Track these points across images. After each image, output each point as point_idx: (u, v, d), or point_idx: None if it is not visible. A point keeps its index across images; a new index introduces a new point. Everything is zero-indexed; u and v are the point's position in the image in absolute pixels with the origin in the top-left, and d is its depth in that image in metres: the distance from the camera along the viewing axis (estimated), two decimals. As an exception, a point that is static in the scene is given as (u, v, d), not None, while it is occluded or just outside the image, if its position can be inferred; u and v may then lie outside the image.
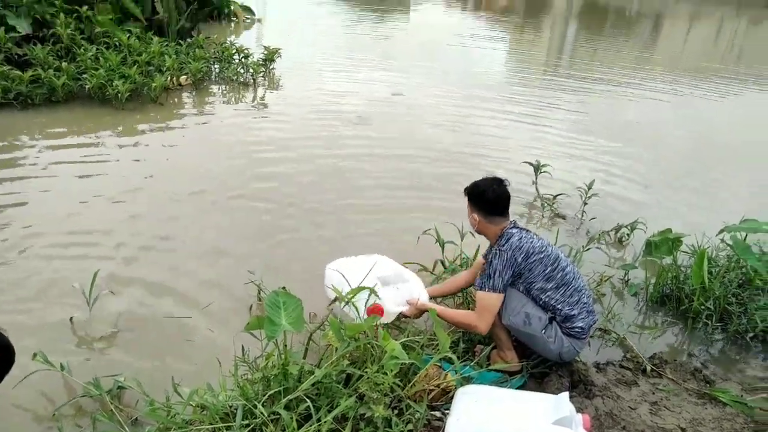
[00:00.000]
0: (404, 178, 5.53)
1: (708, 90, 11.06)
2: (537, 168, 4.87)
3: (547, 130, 7.37)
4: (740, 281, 3.62)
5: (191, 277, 3.68)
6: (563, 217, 4.83)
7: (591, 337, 3.28)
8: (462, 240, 3.82)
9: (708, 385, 2.93)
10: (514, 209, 4.88)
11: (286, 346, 2.31)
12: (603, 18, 27.54)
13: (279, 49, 8.87)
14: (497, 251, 2.70)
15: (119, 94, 6.56)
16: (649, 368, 3.04)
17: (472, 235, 3.10)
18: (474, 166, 5.78)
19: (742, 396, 2.80)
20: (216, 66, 8.48)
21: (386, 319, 2.87)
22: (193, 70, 7.68)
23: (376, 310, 2.73)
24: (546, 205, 4.92)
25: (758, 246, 4.18)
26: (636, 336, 3.41)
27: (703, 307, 3.45)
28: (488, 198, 2.77)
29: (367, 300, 2.68)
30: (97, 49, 7.48)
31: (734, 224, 3.65)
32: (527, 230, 2.81)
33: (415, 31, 18.74)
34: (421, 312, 2.91)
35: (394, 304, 2.89)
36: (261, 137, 6.34)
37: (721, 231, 3.71)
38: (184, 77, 7.78)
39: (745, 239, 3.80)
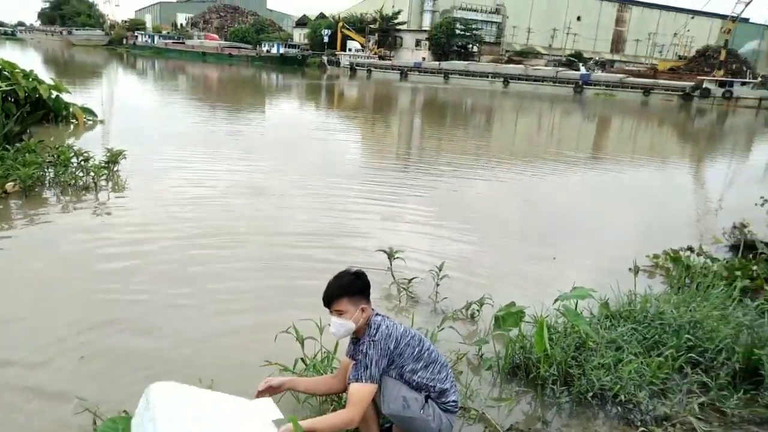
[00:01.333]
0: (261, 275, 5.42)
1: (538, 170, 12.52)
2: (390, 255, 5.05)
3: (403, 214, 7.78)
4: (577, 345, 3.94)
5: (6, 415, 3.18)
6: (417, 301, 5.00)
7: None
8: (321, 335, 3.76)
9: (560, 450, 3.09)
10: (373, 297, 4.97)
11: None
12: (443, 112, 30.43)
13: (123, 150, 8.52)
14: (371, 342, 2.72)
15: (-74, 207, 5.79)
16: (507, 441, 3.14)
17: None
18: (334, 257, 5.86)
19: (588, 455, 2.98)
20: (51, 171, 7.87)
21: None
22: (23, 176, 7.05)
23: None
24: (402, 289, 5.07)
25: (589, 310, 4.65)
26: (494, 409, 3.52)
27: (548, 372, 3.69)
28: (367, 282, 2.86)
29: None
30: None
31: (566, 293, 4.03)
32: (388, 317, 2.89)
33: (272, 126, 19.21)
34: None
35: None
36: (100, 237, 5.97)
37: (557, 300, 4.07)
38: (10, 184, 7.10)
39: (576, 306, 4.20)
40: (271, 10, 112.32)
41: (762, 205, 6.50)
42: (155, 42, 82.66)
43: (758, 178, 14.57)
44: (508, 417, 3.48)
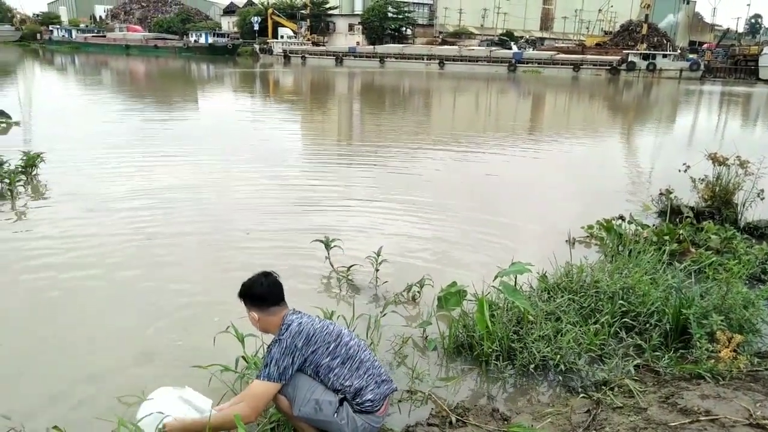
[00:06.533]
0: (200, 269, 5.23)
1: (477, 149, 12.69)
2: (327, 244, 4.96)
3: (343, 201, 7.67)
4: (517, 319, 4.00)
5: None
6: (358, 288, 4.94)
7: (399, 401, 3.32)
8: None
9: (505, 423, 3.13)
10: (312, 288, 4.91)
11: None
12: (382, 96, 30.34)
13: (41, 153, 8.00)
14: (277, 339, 2.71)
15: None
16: (454, 419, 3.15)
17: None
18: (272, 249, 5.72)
19: (532, 426, 3.03)
20: (-41, 179, 7.29)
21: None
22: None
23: None
24: (341, 278, 5.01)
25: (529, 284, 4.71)
26: (441, 389, 3.53)
27: (491, 349, 3.73)
28: (258, 293, 2.79)
29: None
30: None
31: (505, 269, 4.06)
32: (308, 315, 2.84)
33: (207, 117, 18.64)
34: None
35: None
36: (23, 249, 5.54)
37: (496, 277, 4.10)
38: None
39: (515, 281, 4.25)
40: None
41: (685, 171, 6.79)
42: (73, 36, 77.88)
43: (683, 145, 15.30)
44: (455, 396, 3.49)
